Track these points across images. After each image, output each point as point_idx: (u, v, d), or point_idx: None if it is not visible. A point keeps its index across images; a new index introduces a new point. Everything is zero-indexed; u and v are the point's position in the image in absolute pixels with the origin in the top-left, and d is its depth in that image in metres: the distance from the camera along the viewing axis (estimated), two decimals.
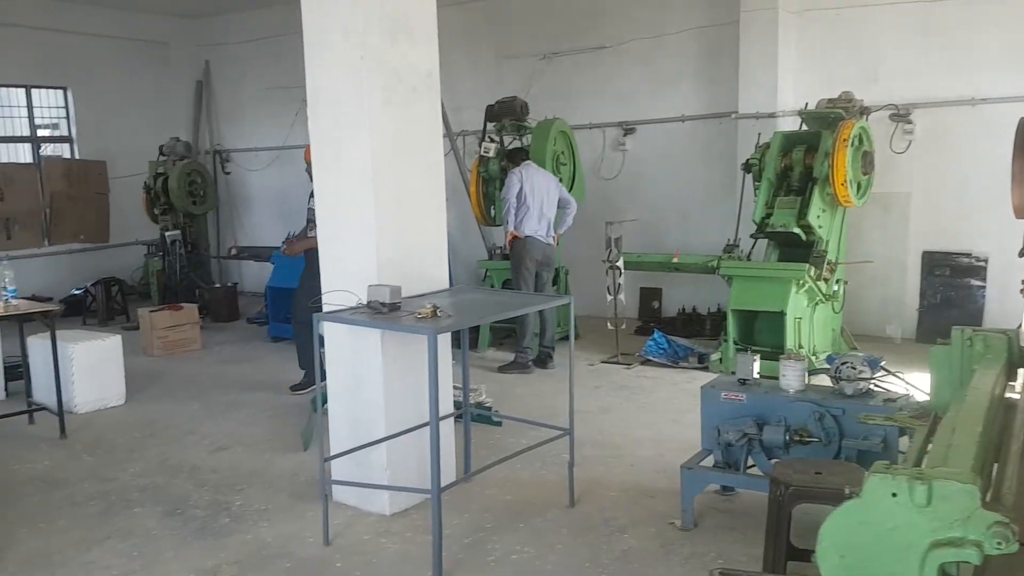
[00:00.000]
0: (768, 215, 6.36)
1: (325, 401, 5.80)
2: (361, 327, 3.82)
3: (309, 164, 4.64)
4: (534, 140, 7.28)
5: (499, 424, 5.21)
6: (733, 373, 4.00)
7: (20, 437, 5.46)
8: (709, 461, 3.91)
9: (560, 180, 7.18)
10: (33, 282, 9.24)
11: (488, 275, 7.61)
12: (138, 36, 11.00)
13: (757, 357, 4.02)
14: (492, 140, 7.43)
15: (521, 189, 6.63)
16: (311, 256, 5.50)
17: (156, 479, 4.64)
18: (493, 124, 7.52)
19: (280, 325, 8.20)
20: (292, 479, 4.57)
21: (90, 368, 5.99)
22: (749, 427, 3.77)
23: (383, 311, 3.66)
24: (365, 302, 3.77)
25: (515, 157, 6.90)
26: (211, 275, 10.63)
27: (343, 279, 3.98)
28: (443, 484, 3.39)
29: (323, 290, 4.09)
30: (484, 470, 4.03)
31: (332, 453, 4.06)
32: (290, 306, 7.69)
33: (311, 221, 7.82)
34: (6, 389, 6.43)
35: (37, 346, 6.01)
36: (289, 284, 8.05)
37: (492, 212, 7.65)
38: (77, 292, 9.29)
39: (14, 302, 5.47)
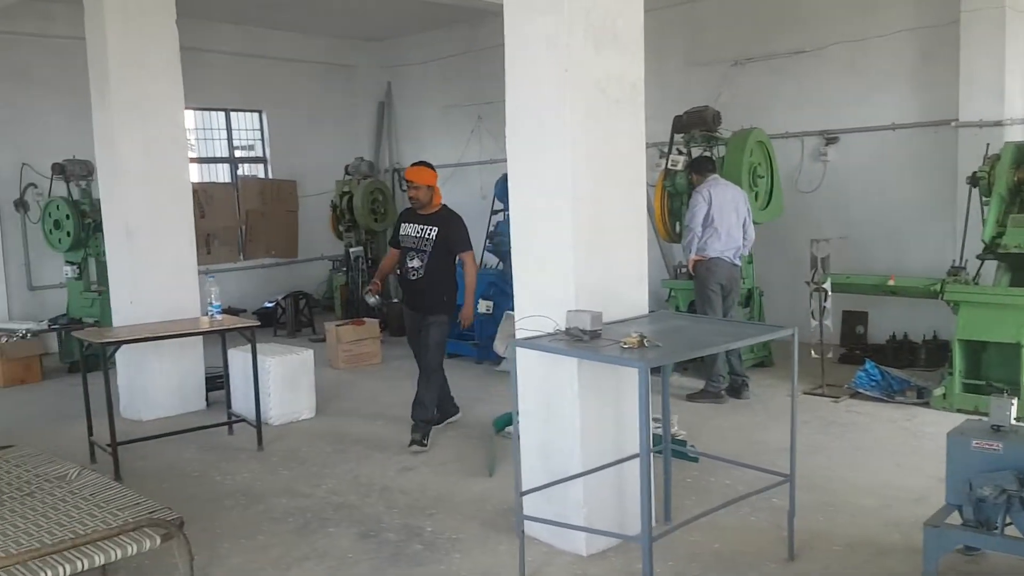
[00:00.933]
0: (999, 234, 5.64)
1: (504, 425, 5.73)
2: (556, 355, 3.60)
3: (413, 183, 5.48)
4: (729, 152, 6.85)
5: (696, 460, 4.84)
6: (982, 416, 3.47)
7: (222, 447, 5.67)
8: (954, 517, 3.39)
9: (755, 195, 6.71)
10: (229, 294, 9.81)
11: (673, 295, 7.23)
12: (327, 60, 11.52)
13: (1015, 401, 3.46)
14: (680, 152, 7.05)
15: (708, 211, 6.21)
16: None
17: (349, 497, 4.63)
18: (681, 135, 7.14)
19: (455, 342, 8.19)
20: (480, 506, 4.43)
21: (284, 381, 6.17)
22: (1009, 482, 3.23)
23: (584, 339, 3.43)
24: (563, 328, 3.56)
25: (700, 167, 6.47)
26: (390, 290, 10.88)
27: (537, 303, 3.79)
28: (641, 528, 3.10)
29: (516, 314, 3.93)
30: (704, 515, 3.66)
31: (522, 484, 3.86)
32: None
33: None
34: (207, 399, 6.76)
35: (237, 358, 6.26)
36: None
37: (677, 228, 7.28)
38: (269, 305, 9.75)
39: (219, 317, 5.72)
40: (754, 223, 6.49)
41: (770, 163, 7.14)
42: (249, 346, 6.14)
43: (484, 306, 7.86)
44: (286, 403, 6.18)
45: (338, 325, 8.13)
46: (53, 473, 3.77)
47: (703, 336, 3.86)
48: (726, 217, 6.21)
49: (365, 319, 8.40)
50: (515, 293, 4.00)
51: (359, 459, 5.29)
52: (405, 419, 6.10)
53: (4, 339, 7.91)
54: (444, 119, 11.22)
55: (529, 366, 3.84)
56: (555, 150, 3.69)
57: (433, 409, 5.59)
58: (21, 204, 9.06)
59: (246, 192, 10.90)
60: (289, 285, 10.83)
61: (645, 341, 3.26)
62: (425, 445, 5.39)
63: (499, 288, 7.98)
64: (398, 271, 5.76)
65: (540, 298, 3.78)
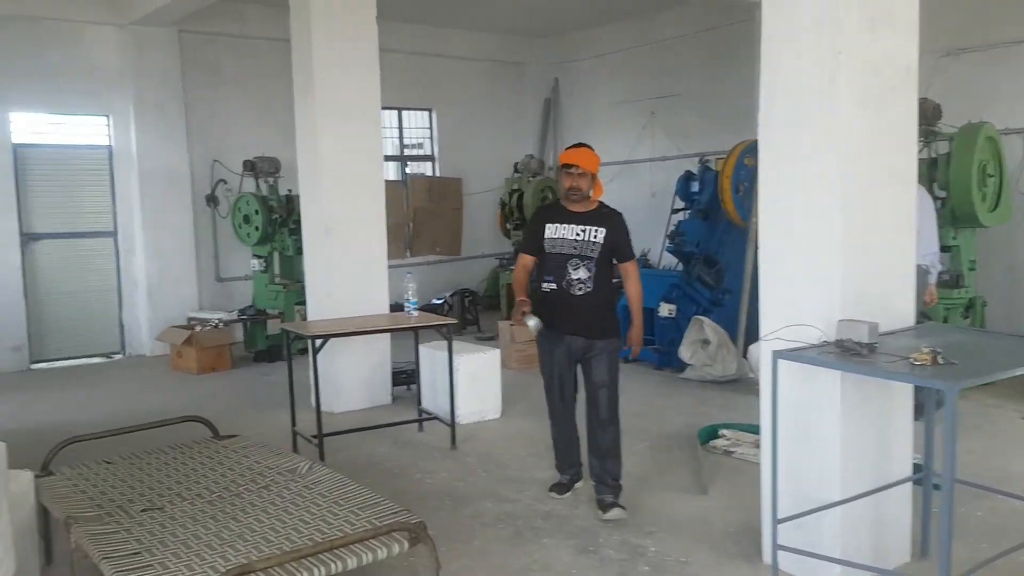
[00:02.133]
0: None
1: (708, 438, 5.40)
2: (820, 368, 3.25)
3: (577, 167, 4.18)
4: (956, 147, 6.22)
5: (938, 488, 4.34)
6: None
7: (414, 444, 5.63)
8: None
9: (983, 196, 6.06)
10: (396, 290, 9.93)
11: None
12: (496, 57, 11.50)
13: None
14: None
15: None
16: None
17: (555, 507, 4.44)
18: None
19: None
20: (704, 528, 4.12)
21: (472, 380, 6.07)
22: None
23: (861, 352, 3.06)
24: (830, 339, 3.21)
25: None
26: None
27: (792, 311, 3.44)
28: (897, 563, 2.72)
29: (765, 322, 3.60)
30: (999, 558, 3.21)
31: (766, 507, 3.54)
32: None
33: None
34: (392, 394, 6.77)
35: (425, 355, 6.23)
36: (645, 304, 7.78)
37: None
38: (437, 301, 9.78)
39: (415, 313, 5.67)
40: (982, 227, 5.83)
41: (999, 162, 6.44)
42: (434, 343, 6.14)
43: (667, 309, 7.54)
44: (474, 402, 6.08)
45: (512, 325, 8.00)
46: (284, 466, 3.76)
47: (998, 353, 3.39)
48: (927, 225, 5.55)
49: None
50: (762, 299, 3.68)
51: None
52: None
53: (198, 328, 8.27)
54: (614, 115, 10.95)
55: (780, 380, 3.51)
56: (822, 142, 3.34)
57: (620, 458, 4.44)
58: (212, 199, 9.48)
59: (414, 189, 11.03)
60: (452, 282, 10.87)
61: (939, 358, 2.87)
62: (626, 509, 4.25)
63: (682, 291, 7.64)
64: (543, 286, 4.35)
65: (796, 306, 3.44)
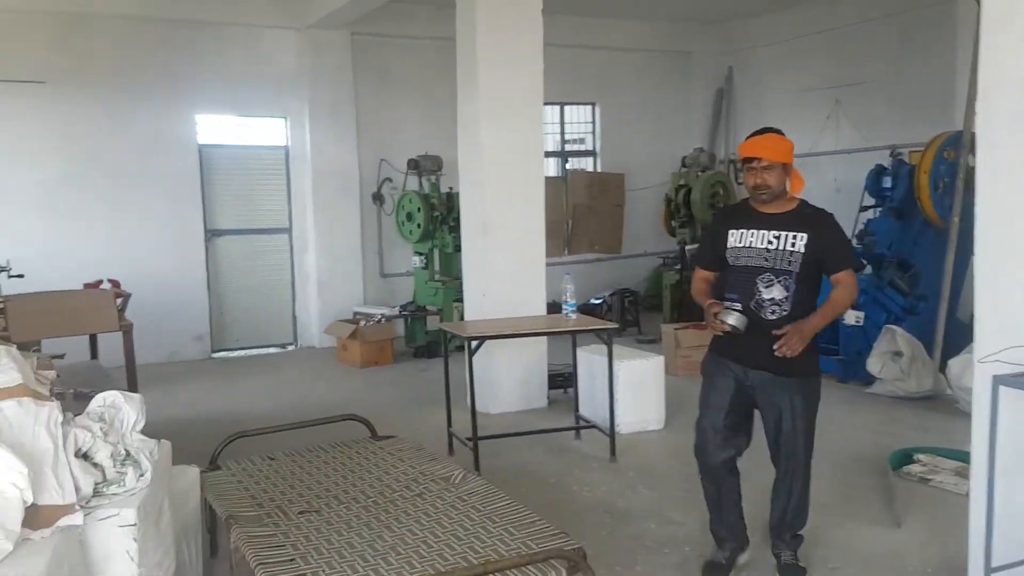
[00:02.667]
0: None
1: (900, 463, 4.83)
2: None
3: (760, 160, 3.30)
4: None
5: None
6: None
7: (571, 453, 5.41)
8: None
9: None
10: (553, 289, 9.78)
11: None
12: (661, 47, 11.07)
13: None
14: None
15: None
16: None
17: None
18: None
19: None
20: (898, 565, 3.64)
21: (633, 387, 5.77)
22: None
23: None
24: None
25: None
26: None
27: (1017, 328, 2.91)
28: None
29: (980, 340, 3.08)
30: None
31: (976, 551, 3.03)
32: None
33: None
34: (548, 397, 6.59)
35: (583, 359, 5.99)
36: None
37: None
38: (596, 302, 9.52)
39: (572, 316, 5.44)
40: None
41: None
42: (593, 346, 5.89)
43: (854, 317, 6.88)
44: (635, 411, 5.78)
45: (677, 329, 7.61)
46: (439, 473, 3.64)
47: None
48: None
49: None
50: (978, 315, 3.15)
51: None
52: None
53: (362, 322, 8.46)
54: (794, 105, 10.23)
55: (999, 409, 2.99)
56: None
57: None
58: (378, 197, 9.69)
59: (574, 186, 10.81)
60: (611, 281, 10.56)
61: None
62: (806, 570, 3.59)
63: (871, 296, 6.96)
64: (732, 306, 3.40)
65: (1020, 325, 2.91)
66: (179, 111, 8.70)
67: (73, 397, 4.87)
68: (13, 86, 7.91)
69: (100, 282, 5.72)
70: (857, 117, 9.47)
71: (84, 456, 2.33)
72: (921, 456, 4.79)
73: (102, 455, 2.32)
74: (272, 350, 9.41)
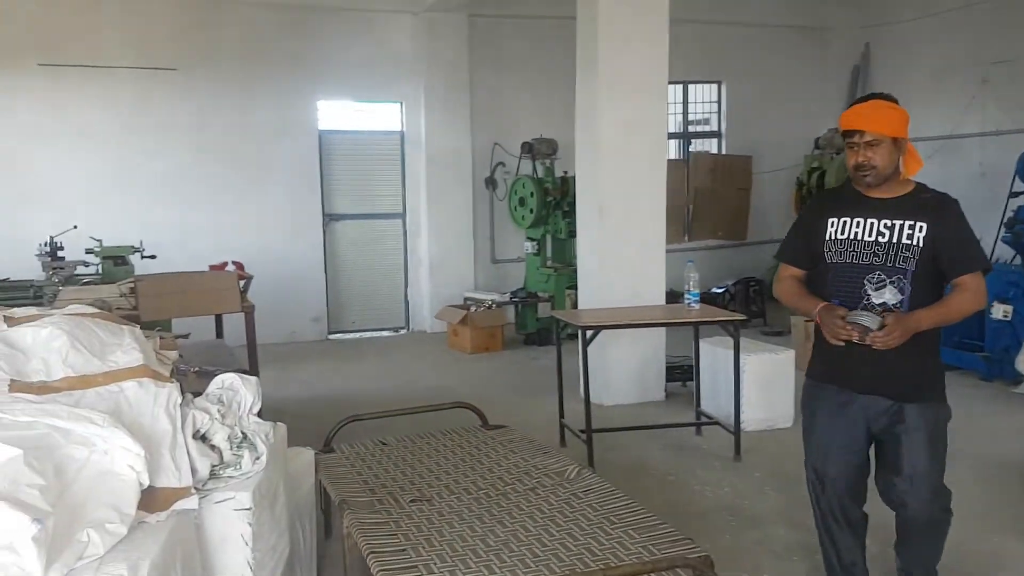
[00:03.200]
0: None
1: None
2: None
3: (864, 133, 2.74)
4: None
5: None
6: None
7: (691, 450, 5.15)
8: None
9: None
10: (672, 276, 9.46)
11: None
12: (795, 23, 10.47)
13: None
14: None
15: None
16: None
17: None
18: None
19: (953, 351, 6.75)
20: None
21: (761, 383, 5.45)
22: None
23: None
24: None
25: None
26: None
27: None
28: None
29: None
30: None
31: None
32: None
33: None
34: (665, 390, 6.33)
35: (706, 351, 5.70)
36: None
37: None
38: (717, 291, 9.13)
39: (695, 306, 5.16)
40: None
41: None
42: (715, 338, 5.60)
43: (1001, 311, 6.31)
44: (762, 407, 5.45)
45: (808, 321, 7.15)
46: (552, 467, 3.49)
47: None
48: None
49: None
50: None
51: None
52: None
53: (473, 308, 8.41)
54: (936, 84, 9.49)
55: None
56: None
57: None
58: (491, 182, 9.61)
59: (697, 168, 10.41)
60: (735, 269, 10.11)
61: None
62: None
63: (1021, 289, 6.34)
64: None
65: None
66: (302, 97, 8.87)
67: (196, 375, 5.02)
68: (147, 72, 8.25)
69: (225, 264, 5.87)
70: (1005, 97, 8.68)
71: (202, 438, 2.30)
72: None
73: (219, 438, 2.28)
74: (385, 333, 9.51)
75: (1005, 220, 6.92)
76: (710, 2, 9.84)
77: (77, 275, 6.92)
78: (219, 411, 2.33)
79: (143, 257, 7.02)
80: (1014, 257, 7.15)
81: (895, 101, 2.82)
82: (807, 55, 10.66)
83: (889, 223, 2.78)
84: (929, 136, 9.57)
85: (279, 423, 2.77)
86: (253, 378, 2.50)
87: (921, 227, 2.74)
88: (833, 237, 2.87)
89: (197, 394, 2.63)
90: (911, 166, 2.84)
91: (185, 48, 8.36)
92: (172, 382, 2.26)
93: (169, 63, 8.30)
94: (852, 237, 2.84)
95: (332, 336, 9.23)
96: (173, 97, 8.37)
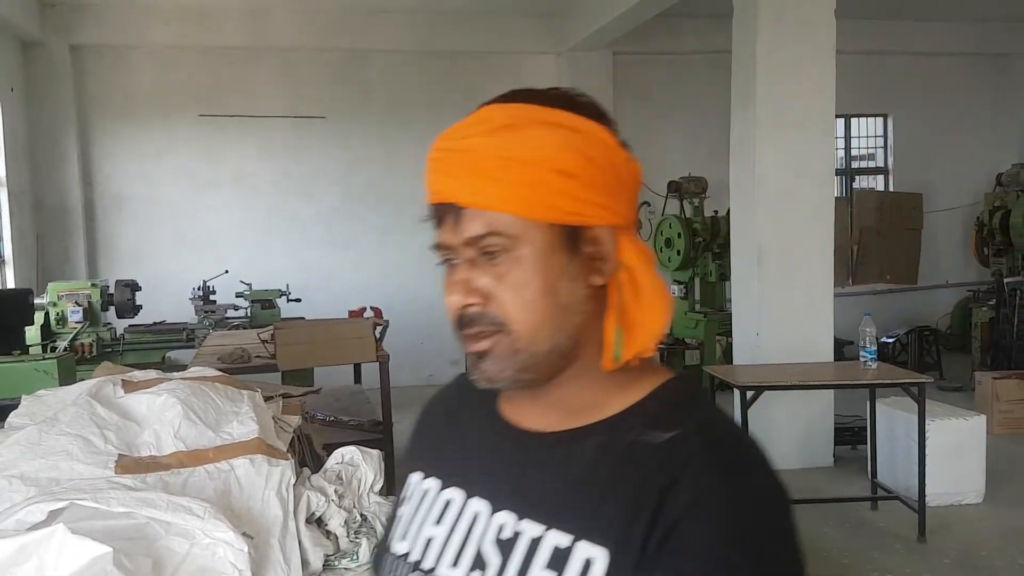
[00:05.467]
0: None
1: None
2: None
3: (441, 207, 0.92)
4: None
5: None
6: None
7: (867, 527, 4.52)
8: None
9: None
10: (839, 322, 8.73)
11: None
12: (971, 50, 9.54)
13: None
14: None
15: None
16: None
17: None
18: None
19: None
20: None
21: (947, 451, 4.72)
22: None
23: None
24: None
25: None
26: None
27: None
28: None
29: None
30: None
31: None
32: None
33: None
34: (834, 454, 5.67)
35: (883, 413, 5.04)
36: None
37: None
38: (888, 340, 8.28)
39: (873, 365, 4.55)
40: None
41: None
42: (893, 398, 4.95)
43: None
44: (948, 480, 4.73)
45: (996, 378, 6.31)
46: None
47: None
48: None
49: None
50: None
51: None
52: None
53: None
54: None
55: None
56: None
57: None
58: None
59: (861, 207, 9.61)
60: (906, 316, 9.18)
61: None
62: None
63: None
64: None
65: None
66: None
67: (327, 424, 4.91)
68: (299, 122, 8.49)
69: (363, 309, 5.81)
70: None
71: (318, 522, 2.06)
72: None
73: (335, 522, 2.04)
74: None
75: None
76: (876, 31, 9.11)
77: (228, 318, 7.14)
78: (336, 491, 2.08)
79: (288, 300, 7.14)
80: None
81: (581, 103, 0.95)
82: (985, 84, 9.68)
83: (515, 529, 0.85)
84: None
85: None
86: (375, 452, 2.25)
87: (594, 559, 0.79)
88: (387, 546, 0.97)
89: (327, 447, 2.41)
90: (635, 332, 0.88)
91: (334, 96, 8.56)
92: (287, 458, 2.03)
93: (319, 112, 8.51)
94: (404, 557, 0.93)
95: None
96: (323, 144, 8.57)
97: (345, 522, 2.06)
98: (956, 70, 9.63)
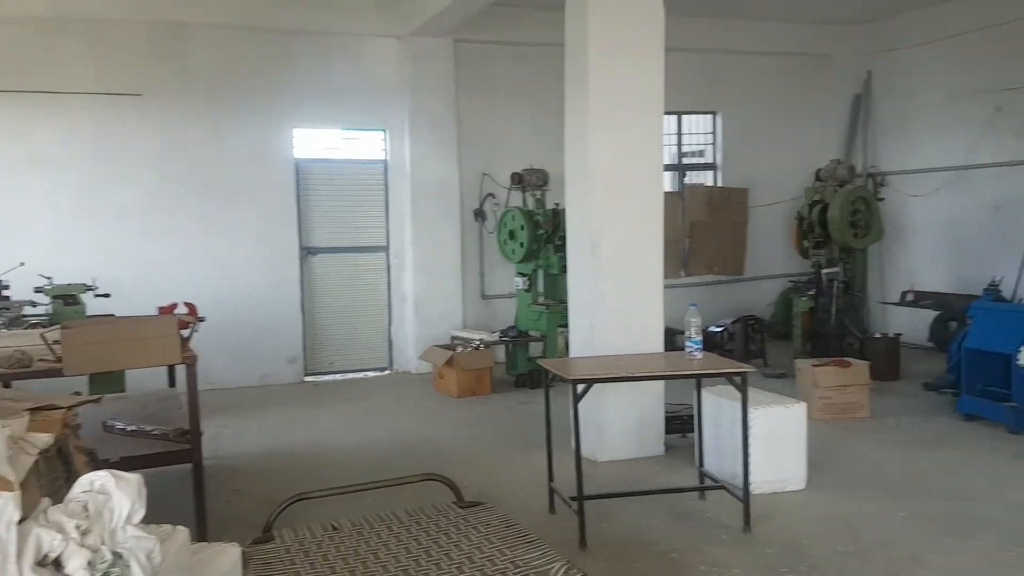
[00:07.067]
0: None
1: None
2: None
3: None
4: None
5: None
6: None
7: (695, 518, 4.55)
8: None
9: None
10: (668, 313, 8.92)
11: None
12: (794, 50, 10.05)
13: None
14: None
15: None
16: None
17: None
18: None
19: (977, 400, 6.21)
20: None
21: (770, 439, 4.85)
22: None
23: None
24: None
25: None
26: (863, 322, 9.03)
27: None
28: None
29: None
30: None
31: None
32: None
33: None
34: (665, 442, 5.75)
35: (709, 403, 5.13)
36: (998, 348, 6.07)
37: None
38: (716, 330, 8.57)
39: (698, 355, 4.59)
40: None
41: None
42: (719, 387, 5.03)
43: None
44: (771, 468, 4.85)
45: (816, 366, 6.62)
46: (533, 562, 2.89)
47: None
48: None
49: (852, 360, 6.75)
50: None
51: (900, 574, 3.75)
52: (940, 515, 4.44)
53: (460, 348, 7.84)
54: (945, 113, 9.05)
55: None
56: None
57: None
58: (480, 214, 9.11)
59: (692, 201, 9.93)
60: (732, 307, 9.58)
61: None
62: None
63: None
64: None
65: None
66: (276, 124, 8.38)
67: (124, 433, 4.43)
68: (110, 99, 7.74)
69: (175, 305, 5.31)
70: (1021, 126, 8.19)
71: (56, 564, 1.72)
72: None
73: (75, 563, 1.71)
74: (371, 373, 8.92)
75: None
76: (705, 30, 9.41)
77: (24, 316, 6.39)
78: (79, 526, 1.75)
79: (96, 296, 6.49)
80: None
81: None
82: (806, 84, 10.23)
83: None
84: (939, 167, 9.11)
85: (179, 527, 2.18)
86: (134, 477, 1.92)
87: None
88: None
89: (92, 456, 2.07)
90: None
91: (151, 73, 7.87)
92: (12, 490, 1.68)
93: (134, 88, 7.79)
94: None
95: (308, 378, 8.64)
96: (139, 124, 7.86)
97: (89, 563, 1.74)
98: (779, 70, 10.11)
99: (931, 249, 9.29)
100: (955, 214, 8.93)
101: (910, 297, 8.73)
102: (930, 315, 8.78)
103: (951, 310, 8.21)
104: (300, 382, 8.53)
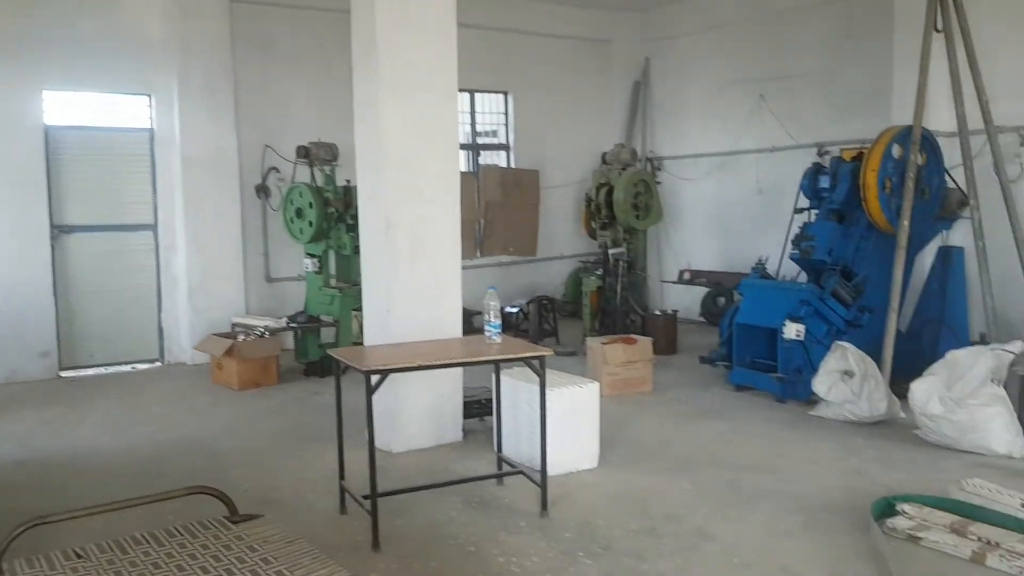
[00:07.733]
0: None
1: (884, 514, 4.11)
2: None
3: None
4: None
5: None
6: None
7: (493, 506, 4.44)
8: None
9: None
10: (466, 294, 8.85)
11: None
12: (580, 34, 10.27)
13: None
14: None
15: None
16: None
17: None
18: None
19: (747, 372, 6.65)
20: None
21: (565, 420, 4.85)
22: None
23: None
24: None
25: None
26: (644, 299, 9.45)
27: None
28: None
29: None
30: None
31: None
32: None
33: None
34: (463, 428, 5.62)
35: (507, 386, 5.04)
36: (765, 322, 6.51)
37: None
38: (511, 310, 8.60)
39: (497, 339, 4.47)
40: None
41: None
42: (516, 369, 4.99)
43: (794, 330, 6.22)
44: (566, 449, 4.86)
45: (605, 343, 6.78)
46: None
47: None
48: None
49: (637, 337, 6.99)
50: None
51: (686, 552, 3.83)
52: (720, 484, 4.65)
53: (241, 337, 7.25)
54: (715, 99, 9.62)
55: None
56: None
57: None
58: (263, 190, 8.51)
59: (486, 182, 9.89)
60: (526, 286, 9.71)
61: None
62: None
63: (812, 308, 6.31)
64: None
65: None
66: (21, 86, 7.33)
67: None
68: None
69: None
70: (782, 113, 8.91)
71: None
72: (905, 507, 4.06)
73: None
74: (140, 366, 8.07)
75: (792, 237, 6.92)
76: (495, 7, 9.35)
77: None
78: None
79: None
80: (798, 274, 7.20)
81: None
82: (593, 68, 10.51)
83: None
84: (710, 152, 9.69)
85: None
86: None
87: None
88: None
89: None
90: None
91: None
92: None
93: None
94: None
95: (65, 373, 7.67)
96: None
97: None
98: (567, 53, 10.31)
99: (703, 230, 9.89)
100: (723, 197, 9.56)
101: (687, 276, 9.25)
102: (702, 291, 9.35)
103: (723, 287, 8.78)
104: (55, 378, 7.55)
